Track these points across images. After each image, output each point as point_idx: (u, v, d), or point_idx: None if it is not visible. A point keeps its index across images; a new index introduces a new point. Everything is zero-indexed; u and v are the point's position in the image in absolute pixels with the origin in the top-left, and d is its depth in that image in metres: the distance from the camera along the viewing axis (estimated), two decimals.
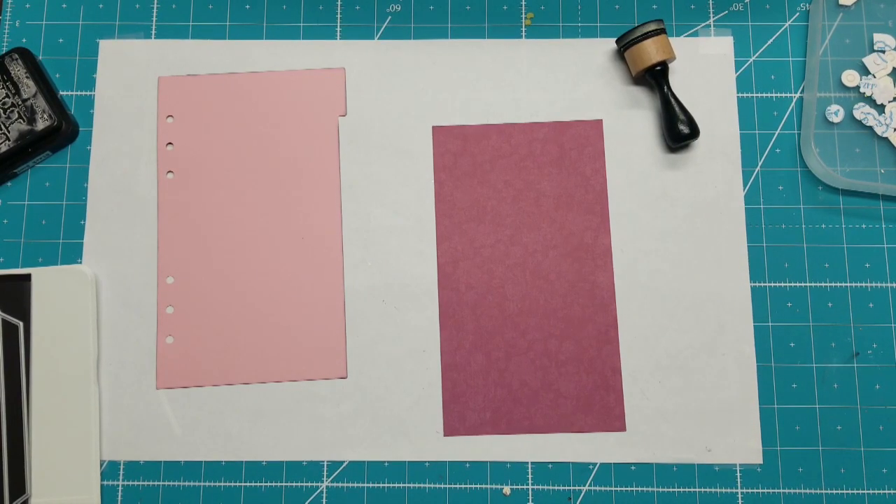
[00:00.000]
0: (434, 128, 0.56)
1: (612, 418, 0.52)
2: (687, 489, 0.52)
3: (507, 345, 0.54)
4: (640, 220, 0.55)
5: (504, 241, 0.55)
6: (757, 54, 0.58)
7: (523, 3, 0.58)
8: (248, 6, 0.59)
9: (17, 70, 0.55)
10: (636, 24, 0.57)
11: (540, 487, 0.52)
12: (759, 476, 0.52)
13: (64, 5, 0.58)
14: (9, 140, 0.54)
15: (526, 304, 0.54)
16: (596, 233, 0.55)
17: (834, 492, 0.52)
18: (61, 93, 0.57)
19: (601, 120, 0.56)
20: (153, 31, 0.58)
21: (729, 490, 0.52)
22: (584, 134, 0.56)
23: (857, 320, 0.54)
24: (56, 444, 0.52)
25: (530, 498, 0.52)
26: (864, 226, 0.55)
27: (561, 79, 0.57)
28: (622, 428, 0.52)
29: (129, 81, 0.57)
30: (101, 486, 0.52)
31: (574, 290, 0.54)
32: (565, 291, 0.54)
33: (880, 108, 0.56)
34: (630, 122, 0.56)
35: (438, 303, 0.54)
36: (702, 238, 0.55)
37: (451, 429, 0.53)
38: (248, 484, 0.52)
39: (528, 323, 0.54)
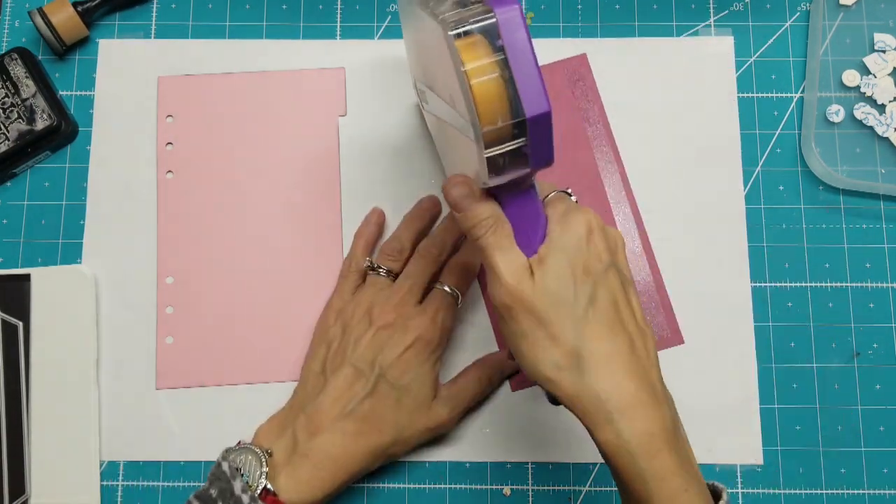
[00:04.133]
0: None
1: None
2: None
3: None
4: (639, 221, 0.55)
5: None
6: (757, 54, 0.57)
7: (523, 2, 0.58)
8: (248, 6, 0.58)
9: (17, 70, 0.55)
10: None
11: (540, 488, 0.52)
12: (760, 476, 0.52)
13: None
14: (8, 140, 0.54)
15: None
16: None
17: (834, 492, 0.52)
18: (61, 93, 0.57)
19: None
20: (153, 31, 0.58)
21: (730, 490, 0.52)
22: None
23: (858, 320, 0.54)
24: (56, 444, 0.52)
25: (530, 498, 0.52)
26: (864, 226, 0.55)
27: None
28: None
29: (129, 81, 0.57)
30: (101, 486, 0.52)
31: None
32: None
33: (881, 108, 0.56)
34: (631, 122, 0.56)
35: None
36: (702, 238, 0.55)
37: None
38: None
39: None
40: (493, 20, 0.35)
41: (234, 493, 0.43)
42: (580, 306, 0.38)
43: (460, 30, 0.35)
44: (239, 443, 0.47)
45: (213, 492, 0.43)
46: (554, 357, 0.38)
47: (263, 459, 0.45)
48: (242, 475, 0.44)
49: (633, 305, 0.40)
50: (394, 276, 0.51)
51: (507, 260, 0.39)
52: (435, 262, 0.50)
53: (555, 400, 0.41)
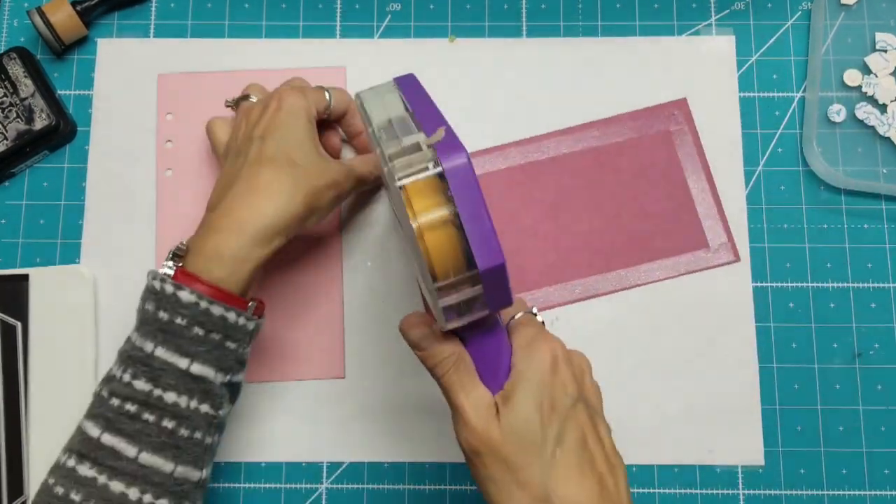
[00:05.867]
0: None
1: None
2: (688, 490, 0.52)
3: None
4: None
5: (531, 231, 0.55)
6: (759, 53, 0.57)
7: (524, 2, 0.58)
8: (247, 5, 0.58)
9: (16, 69, 0.55)
10: None
11: None
12: (761, 477, 0.52)
13: None
14: (7, 140, 0.54)
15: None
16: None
17: (836, 493, 0.52)
18: (59, 92, 0.57)
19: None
20: (151, 31, 0.58)
21: (731, 491, 0.52)
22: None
23: (859, 321, 0.54)
24: (55, 444, 0.51)
25: None
26: (866, 226, 0.55)
27: (563, 78, 0.57)
28: None
29: (128, 81, 0.57)
30: None
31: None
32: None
33: (882, 108, 0.56)
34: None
35: None
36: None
37: None
38: (247, 485, 0.52)
39: None
40: (440, 170, 0.34)
41: (148, 287, 0.43)
42: (548, 448, 0.37)
43: (407, 181, 0.35)
44: None
45: (140, 301, 0.43)
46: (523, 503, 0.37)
47: (173, 251, 0.44)
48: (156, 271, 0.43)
49: (603, 438, 0.39)
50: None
51: (471, 400, 0.38)
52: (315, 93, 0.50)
53: None
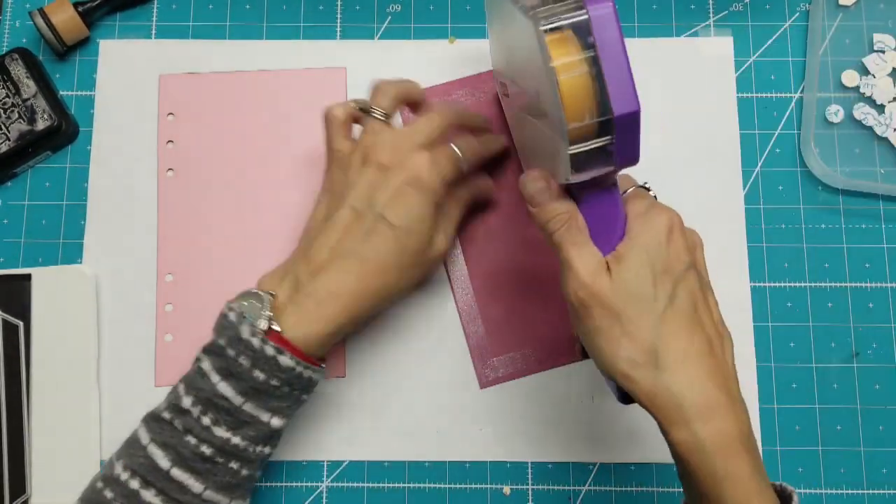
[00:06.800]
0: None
1: None
2: None
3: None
4: None
5: (504, 235, 0.55)
6: (757, 54, 0.58)
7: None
8: (248, 6, 0.59)
9: (18, 70, 0.55)
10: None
11: (540, 487, 0.52)
12: None
13: None
14: (9, 140, 0.54)
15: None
16: None
17: (834, 492, 0.52)
18: (61, 93, 0.57)
19: None
20: (153, 32, 0.58)
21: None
22: None
23: (857, 320, 0.54)
24: (56, 443, 0.52)
25: (530, 498, 0.52)
26: (863, 226, 0.55)
27: None
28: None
29: (130, 81, 0.57)
30: None
31: None
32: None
33: (880, 109, 0.56)
34: None
35: (454, 299, 0.54)
36: (702, 238, 0.55)
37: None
38: None
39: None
40: (585, 17, 0.35)
41: (241, 338, 0.42)
42: (659, 304, 0.38)
43: (551, 25, 0.35)
44: (245, 291, 0.46)
45: (222, 341, 0.43)
46: (631, 354, 0.37)
47: (266, 301, 0.44)
48: (246, 318, 0.42)
49: (712, 308, 0.40)
50: (390, 119, 0.48)
51: (582, 255, 0.38)
52: (447, 123, 0.47)
53: (625, 398, 0.41)
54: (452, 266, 0.54)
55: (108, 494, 0.41)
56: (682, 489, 0.40)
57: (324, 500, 0.52)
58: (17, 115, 0.55)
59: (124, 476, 0.42)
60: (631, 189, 0.42)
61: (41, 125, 0.54)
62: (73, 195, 0.56)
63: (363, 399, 0.53)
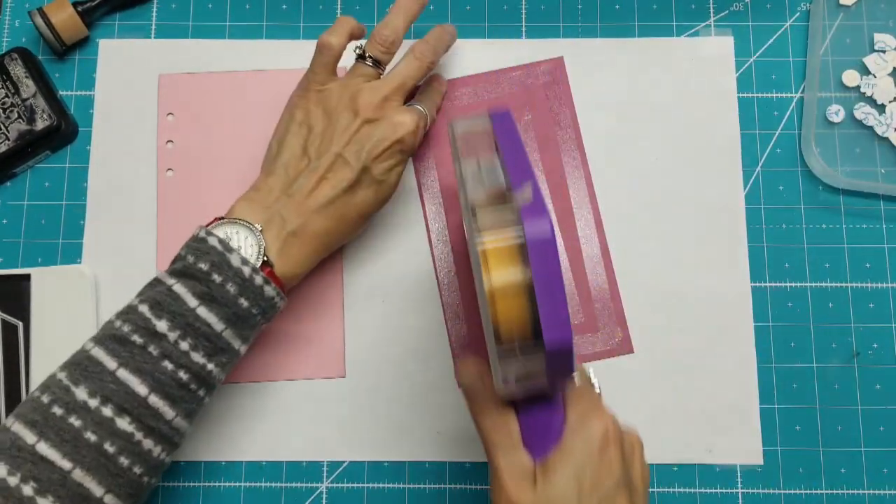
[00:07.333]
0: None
1: None
2: (687, 489, 0.52)
3: None
4: (640, 221, 0.55)
5: None
6: (757, 54, 0.57)
7: (524, 3, 0.58)
8: (248, 6, 0.58)
9: (17, 70, 0.55)
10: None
11: None
12: (760, 476, 0.52)
13: None
14: (8, 140, 0.54)
15: None
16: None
17: (834, 492, 0.52)
18: (61, 93, 0.57)
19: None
20: (153, 31, 0.58)
21: (729, 490, 0.52)
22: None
23: (858, 320, 0.54)
24: None
25: None
26: (864, 226, 0.55)
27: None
28: None
29: (129, 81, 0.57)
30: None
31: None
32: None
33: (881, 108, 0.56)
34: (631, 122, 0.56)
35: (440, 301, 0.54)
36: (702, 238, 0.55)
37: None
38: (247, 484, 0.52)
39: None
40: (521, 241, 0.34)
41: (231, 265, 0.43)
42: None
43: (489, 247, 0.34)
44: (216, 219, 0.46)
45: (203, 265, 0.43)
46: None
47: (258, 234, 0.45)
48: (234, 247, 0.44)
49: None
50: (381, 68, 0.50)
51: (510, 464, 0.37)
52: (427, 68, 0.51)
53: None
54: (444, 269, 0.54)
55: (76, 423, 0.40)
56: (681, 489, 0.40)
57: (324, 501, 0.52)
58: (16, 115, 0.54)
59: (93, 403, 0.40)
60: (575, 387, 0.40)
61: (40, 125, 0.54)
62: (73, 195, 0.56)
63: (363, 399, 0.53)
